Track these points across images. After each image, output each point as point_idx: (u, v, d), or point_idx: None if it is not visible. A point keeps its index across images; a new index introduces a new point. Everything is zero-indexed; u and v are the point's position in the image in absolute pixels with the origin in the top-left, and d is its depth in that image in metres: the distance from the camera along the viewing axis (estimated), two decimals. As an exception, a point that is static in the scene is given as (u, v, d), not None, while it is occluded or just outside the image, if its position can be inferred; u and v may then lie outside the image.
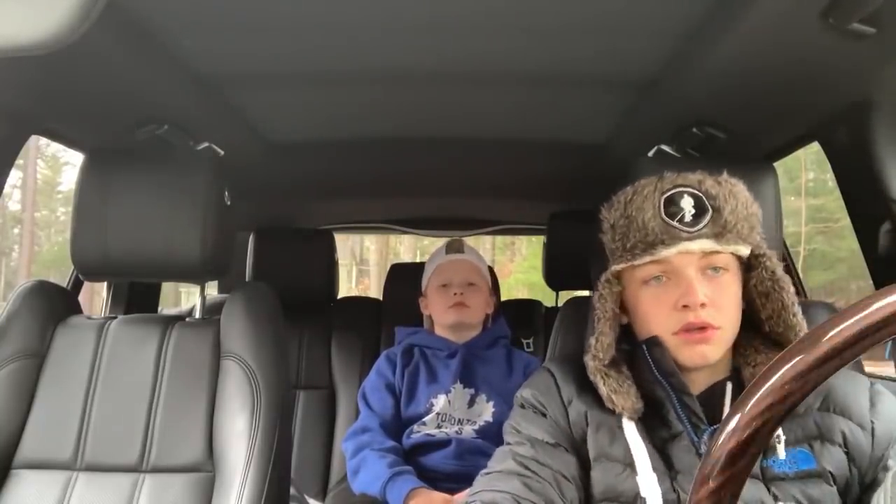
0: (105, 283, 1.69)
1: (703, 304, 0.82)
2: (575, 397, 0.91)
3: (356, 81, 1.26)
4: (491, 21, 1.01)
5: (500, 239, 15.95)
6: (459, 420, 1.55)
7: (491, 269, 1.87)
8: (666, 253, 0.84)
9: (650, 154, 1.35)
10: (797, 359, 0.42)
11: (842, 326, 0.41)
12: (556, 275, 2.02)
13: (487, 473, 0.89)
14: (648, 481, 0.83)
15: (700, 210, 0.84)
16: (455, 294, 1.64)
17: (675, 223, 0.84)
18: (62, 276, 1.55)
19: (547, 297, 2.26)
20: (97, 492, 1.10)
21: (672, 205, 0.85)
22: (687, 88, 1.15)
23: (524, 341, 2.01)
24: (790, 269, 1.67)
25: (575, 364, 0.95)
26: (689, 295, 0.82)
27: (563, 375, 0.94)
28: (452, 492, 1.41)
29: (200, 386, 1.16)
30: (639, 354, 0.89)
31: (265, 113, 1.45)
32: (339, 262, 2.16)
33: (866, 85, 1.07)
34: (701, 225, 0.83)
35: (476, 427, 1.55)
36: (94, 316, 1.27)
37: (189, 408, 1.15)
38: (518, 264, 17.61)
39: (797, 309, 0.86)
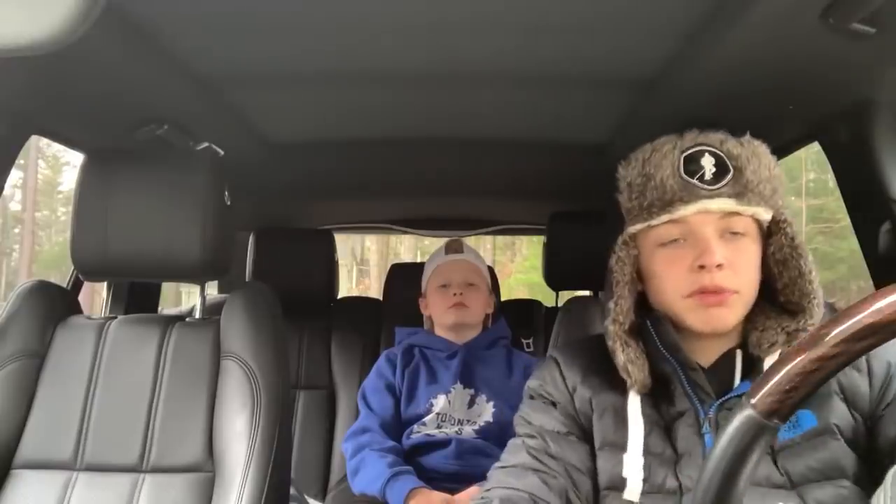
0: (105, 283, 1.69)
1: (719, 266, 0.78)
2: (579, 383, 0.89)
3: (356, 81, 1.26)
4: (491, 21, 1.00)
5: (500, 239, 15.95)
6: (459, 420, 1.55)
7: (491, 269, 1.87)
8: (684, 211, 0.81)
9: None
10: None
11: None
12: (556, 275, 2.01)
13: (502, 467, 0.87)
14: (633, 462, 0.81)
15: (721, 169, 0.81)
16: (454, 294, 1.64)
17: (694, 181, 0.80)
18: (63, 276, 1.55)
19: (547, 298, 2.26)
20: (97, 492, 1.10)
21: (692, 163, 0.81)
22: (687, 88, 1.15)
23: (524, 341, 2.01)
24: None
25: (582, 346, 0.94)
26: (706, 255, 0.79)
27: (568, 361, 0.92)
28: (452, 492, 1.41)
29: (200, 386, 1.16)
30: (645, 330, 0.87)
31: (265, 113, 1.45)
32: (339, 262, 2.16)
33: (866, 85, 1.07)
34: (721, 184, 0.80)
35: (476, 427, 1.55)
36: (94, 316, 1.27)
37: (189, 408, 1.15)
38: (518, 264, 17.61)
39: (814, 277, 0.83)
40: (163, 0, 0.92)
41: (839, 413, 0.79)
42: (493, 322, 1.75)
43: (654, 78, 1.18)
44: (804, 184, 14.46)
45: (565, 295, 1.97)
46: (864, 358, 0.81)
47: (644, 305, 0.90)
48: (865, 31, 0.86)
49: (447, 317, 1.65)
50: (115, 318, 1.25)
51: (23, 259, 17.88)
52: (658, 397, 0.85)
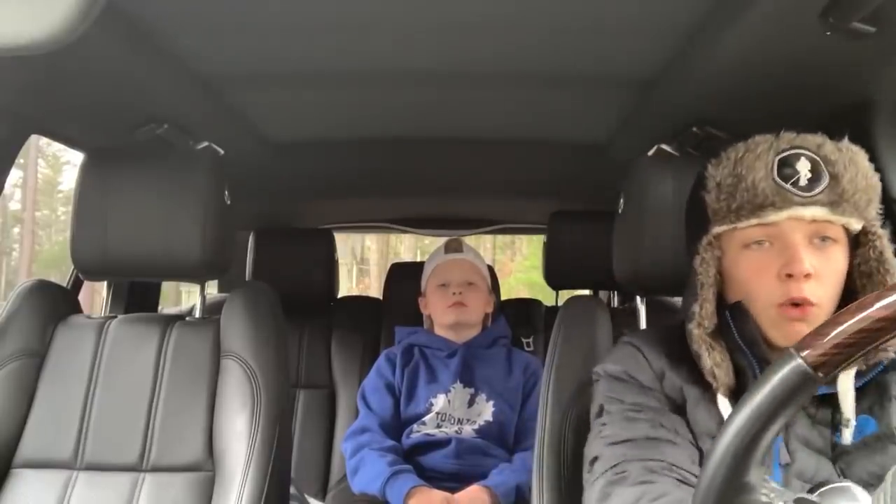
0: (105, 283, 1.70)
1: (808, 276, 0.76)
2: (667, 369, 0.87)
3: (356, 81, 1.26)
4: (491, 21, 1.00)
5: (500, 238, 15.95)
6: (459, 419, 1.56)
7: (491, 269, 1.87)
8: (775, 217, 0.78)
9: (650, 153, 1.35)
10: None
11: None
12: (556, 274, 2.02)
13: (616, 442, 0.82)
14: None
15: (816, 175, 0.78)
16: (454, 294, 1.64)
17: (788, 186, 0.78)
18: (63, 276, 1.55)
19: (547, 297, 2.26)
20: (97, 491, 1.11)
21: (786, 166, 0.79)
22: (687, 88, 1.15)
23: (524, 340, 2.01)
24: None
25: (660, 337, 0.91)
26: (795, 263, 0.77)
27: (650, 348, 0.89)
28: (452, 492, 1.42)
29: (200, 385, 1.16)
30: (723, 321, 0.85)
31: (265, 113, 1.45)
32: (340, 261, 2.16)
33: (866, 85, 1.07)
34: (816, 191, 0.78)
35: (476, 426, 1.55)
36: (93, 315, 1.27)
37: (189, 407, 1.15)
38: (518, 264, 17.60)
39: None
40: (163, 0, 0.92)
41: None
42: (493, 321, 1.75)
43: (654, 78, 1.18)
44: (804, 183, 14.43)
45: (565, 294, 1.97)
46: None
47: (720, 301, 0.88)
48: (866, 30, 0.86)
49: (447, 316, 1.65)
50: (115, 317, 1.25)
51: (23, 258, 17.88)
52: (738, 393, 0.83)
